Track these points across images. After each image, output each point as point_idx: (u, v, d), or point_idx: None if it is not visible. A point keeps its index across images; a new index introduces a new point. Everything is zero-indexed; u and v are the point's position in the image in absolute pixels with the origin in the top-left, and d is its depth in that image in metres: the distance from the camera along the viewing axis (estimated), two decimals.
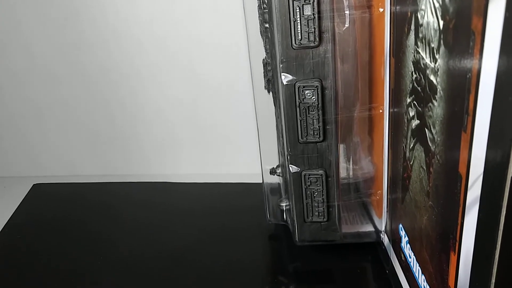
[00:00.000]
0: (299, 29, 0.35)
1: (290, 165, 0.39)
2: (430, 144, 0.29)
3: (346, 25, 0.37)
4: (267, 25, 0.38)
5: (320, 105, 0.37)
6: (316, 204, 0.40)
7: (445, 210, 0.28)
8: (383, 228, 0.43)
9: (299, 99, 0.37)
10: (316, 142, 0.38)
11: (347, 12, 0.36)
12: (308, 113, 0.37)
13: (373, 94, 0.40)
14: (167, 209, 0.54)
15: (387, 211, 0.42)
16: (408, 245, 0.36)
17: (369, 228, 0.44)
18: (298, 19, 0.34)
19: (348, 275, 0.43)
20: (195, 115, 0.59)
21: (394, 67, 0.35)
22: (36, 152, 0.63)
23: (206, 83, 0.57)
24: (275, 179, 0.48)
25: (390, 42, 0.35)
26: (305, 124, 0.37)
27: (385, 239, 0.43)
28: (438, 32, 0.26)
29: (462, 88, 0.23)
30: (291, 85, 0.36)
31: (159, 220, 0.52)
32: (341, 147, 0.42)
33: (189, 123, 0.59)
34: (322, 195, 0.40)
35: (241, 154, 0.60)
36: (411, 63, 0.31)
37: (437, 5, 0.26)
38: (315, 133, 0.38)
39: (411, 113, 0.32)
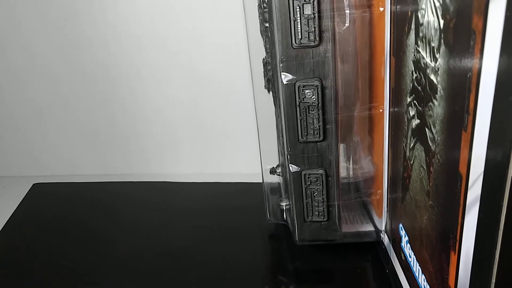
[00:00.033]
0: (299, 28, 0.35)
1: (290, 164, 0.39)
2: (431, 144, 0.29)
3: (346, 24, 0.37)
4: (267, 25, 0.38)
5: (320, 104, 0.37)
6: (316, 204, 0.40)
7: (445, 210, 0.28)
8: (383, 228, 0.43)
9: (299, 98, 0.37)
10: (316, 141, 0.38)
11: (347, 11, 0.36)
12: (308, 113, 0.37)
13: (373, 93, 0.40)
14: (167, 208, 0.54)
15: (387, 211, 0.42)
16: (408, 244, 0.36)
17: (369, 227, 0.44)
18: (298, 18, 0.34)
19: (348, 275, 0.43)
20: (195, 115, 0.59)
21: (394, 67, 0.35)
22: (36, 152, 0.63)
23: (206, 82, 0.57)
24: (275, 179, 0.48)
25: (391, 42, 0.35)
26: (305, 124, 0.37)
27: (385, 239, 0.43)
28: (438, 31, 0.26)
29: (462, 88, 0.23)
30: (291, 85, 0.36)
31: (159, 219, 0.52)
32: (341, 146, 0.42)
33: (189, 122, 0.59)
34: (322, 194, 0.40)
35: (241, 154, 0.60)
36: (412, 63, 0.31)
37: (437, 4, 0.26)
38: (315, 133, 0.38)
39: (412, 113, 0.32)
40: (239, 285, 0.43)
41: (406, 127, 0.34)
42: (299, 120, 0.37)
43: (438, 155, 0.28)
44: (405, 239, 0.37)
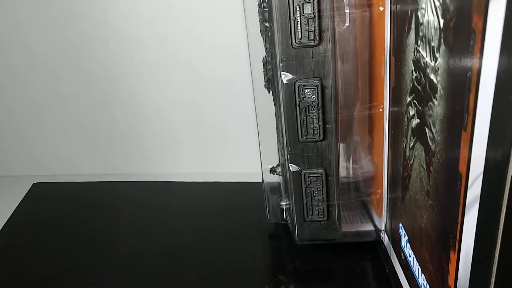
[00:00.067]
0: (299, 28, 0.35)
1: (290, 164, 0.39)
2: (430, 143, 0.29)
3: (346, 24, 0.37)
4: (267, 24, 0.38)
5: (320, 104, 0.37)
6: (316, 203, 0.40)
7: (445, 209, 0.28)
8: (383, 227, 0.43)
9: (299, 98, 0.37)
10: (316, 141, 0.38)
11: (347, 11, 0.36)
12: (308, 112, 0.37)
13: (373, 93, 0.40)
14: (167, 208, 0.54)
15: (387, 210, 0.42)
16: (408, 244, 0.36)
17: (369, 227, 0.44)
18: (298, 18, 0.34)
19: (348, 274, 0.43)
20: (195, 114, 0.59)
21: (394, 66, 0.35)
22: (36, 151, 0.63)
23: (206, 82, 0.57)
24: (275, 178, 0.48)
25: (390, 41, 0.35)
26: (305, 123, 0.37)
27: (385, 238, 0.43)
28: (438, 30, 0.26)
29: (462, 87, 0.23)
30: (291, 84, 0.36)
31: (158, 219, 0.52)
32: (341, 146, 0.42)
33: (189, 122, 0.59)
34: (322, 194, 0.40)
35: (241, 153, 0.60)
36: (411, 62, 0.31)
37: (437, 3, 0.26)
38: (315, 132, 0.38)
39: (411, 112, 0.32)
40: (239, 285, 0.43)
41: (406, 127, 0.34)
42: (299, 120, 0.37)
43: (438, 155, 0.28)
44: (405, 238, 0.37)
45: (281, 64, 0.36)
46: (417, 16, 0.29)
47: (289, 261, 0.46)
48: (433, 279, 0.32)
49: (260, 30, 0.42)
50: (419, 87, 0.30)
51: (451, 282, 0.28)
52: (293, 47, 0.35)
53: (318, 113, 0.37)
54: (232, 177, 0.58)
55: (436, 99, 0.27)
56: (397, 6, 0.33)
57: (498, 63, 0.20)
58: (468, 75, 0.23)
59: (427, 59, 0.28)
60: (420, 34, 0.29)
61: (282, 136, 0.40)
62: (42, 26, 0.55)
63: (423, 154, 0.31)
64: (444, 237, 0.28)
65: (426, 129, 0.29)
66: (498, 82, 0.20)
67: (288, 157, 0.39)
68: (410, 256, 0.36)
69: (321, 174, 0.39)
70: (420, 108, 0.30)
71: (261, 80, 0.43)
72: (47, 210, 0.55)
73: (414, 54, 0.30)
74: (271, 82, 0.42)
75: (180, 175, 0.60)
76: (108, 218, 0.53)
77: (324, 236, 0.42)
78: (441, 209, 0.29)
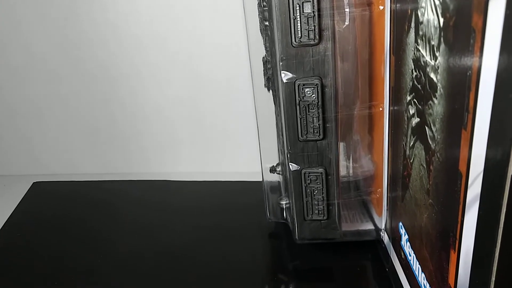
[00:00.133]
0: (299, 27, 0.35)
1: (290, 163, 0.39)
2: (430, 142, 0.29)
3: (346, 23, 0.37)
4: (267, 23, 0.38)
5: (320, 103, 0.37)
6: (316, 202, 0.40)
7: (445, 208, 0.28)
8: (383, 226, 0.43)
9: (299, 97, 0.37)
10: (316, 140, 0.38)
11: (347, 10, 0.36)
12: (308, 111, 0.37)
13: (373, 92, 0.40)
14: (167, 207, 0.54)
15: (387, 209, 0.42)
16: (408, 243, 0.36)
17: (369, 226, 0.44)
18: (298, 17, 0.34)
19: (348, 273, 0.43)
20: (195, 114, 0.59)
21: (394, 65, 0.35)
22: (36, 151, 0.63)
23: (206, 81, 0.57)
24: (275, 177, 0.48)
25: (390, 40, 0.35)
26: (305, 122, 0.37)
27: (385, 237, 0.43)
28: (438, 29, 0.26)
29: (462, 86, 0.23)
30: (291, 83, 0.36)
31: (158, 218, 0.52)
32: (341, 145, 0.42)
33: (189, 121, 0.59)
34: (322, 193, 0.40)
35: (241, 152, 0.60)
36: (411, 61, 0.31)
37: (437, 2, 0.26)
38: (315, 131, 0.38)
39: (411, 111, 0.32)
40: (239, 284, 0.43)
41: (406, 126, 0.34)
42: (299, 119, 0.37)
43: (438, 154, 0.28)
44: (405, 237, 0.37)
45: (281, 63, 0.36)
46: (417, 15, 0.29)
47: (289, 260, 0.46)
48: (433, 278, 0.32)
49: (260, 29, 0.42)
50: (419, 86, 0.30)
51: (451, 281, 0.28)
52: (293, 46, 0.35)
53: (318, 112, 0.37)
54: (232, 176, 0.58)
55: (436, 98, 0.27)
56: (397, 5, 0.33)
57: (498, 62, 0.20)
58: (468, 74, 0.23)
59: (427, 58, 0.28)
60: (420, 33, 0.29)
61: (282, 135, 0.40)
62: (42, 26, 0.55)
63: (423, 153, 0.31)
64: (444, 236, 0.28)
65: (426, 128, 0.29)
66: (498, 81, 0.20)
67: (288, 156, 0.39)
68: (410, 255, 0.36)
69: (321, 173, 0.39)
70: (420, 107, 0.30)
71: (261, 79, 0.43)
72: (47, 210, 0.55)
73: (414, 53, 0.30)
74: (271, 81, 0.42)
75: (180, 174, 0.60)
76: (108, 217, 0.53)
77: (324, 235, 0.42)
78: (441, 208, 0.29)
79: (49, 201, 0.57)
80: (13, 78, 0.58)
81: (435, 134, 0.28)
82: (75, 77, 0.58)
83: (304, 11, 0.34)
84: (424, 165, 0.31)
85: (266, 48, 0.42)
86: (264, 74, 0.43)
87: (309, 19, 0.34)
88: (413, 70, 0.31)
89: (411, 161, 0.33)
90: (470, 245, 0.25)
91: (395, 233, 0.40)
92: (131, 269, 0.45)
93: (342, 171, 0.42)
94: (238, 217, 0.51)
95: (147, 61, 0.56)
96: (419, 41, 0.29)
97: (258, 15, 0.41)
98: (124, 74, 0.57)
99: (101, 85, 0.58)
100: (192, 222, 0.51)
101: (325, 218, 0.41)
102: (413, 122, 0.32)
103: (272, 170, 0.46)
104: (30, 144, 0.62)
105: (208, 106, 0.58)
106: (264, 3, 0.38)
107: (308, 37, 0.35)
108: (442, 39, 0.26)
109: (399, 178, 0.37)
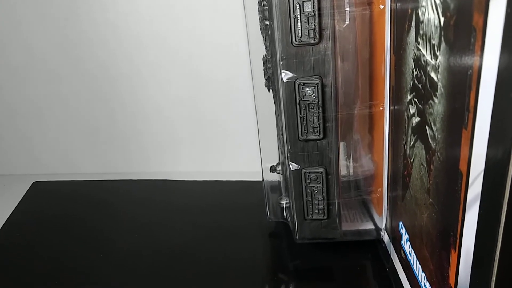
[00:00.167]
0: (299, 26, 0.35)
1: (290, 162, 0.39)
2: (431, 142, 0.29)
3: (346, 22, 0.37)
4: (267, 23, 0.38)
5: (320, 102, 0.37)
6: (316, 202, 0.40)
7: (446, 208, 0.28)
8: (383, 226, 0.43)
9: (299, 96, 0.37)
10: (316, 139, 0.38)
11: (347, 9, 0.36)
12: (308, 111, 0.37)
13: (374, 91, 0.40)
14: (167, 207, 0.54)
15: (387, 209, 0.42)
16: (409, 242, 0.36)
17: (369, 225, 0.44)
18: (298, 16, 0.34)
19: (348, 273, 0.43)
20: (195, 113, 0.59)
21: (394, 64, 0.35)
22: (36, 150, 0.63)
23: (206, 81, 0.57)
24: (275, 177, 0.48)
25: (391, 39, 0.35)
26: (305, 122, 0.37)
27: (385, 237, 0.43)
28: (439, 28, 0.26)
29: (463, 85, 0.23)
30: (291, 83, 0.36)
31: (158, 218, 0.52)
32: (341, 144, 0.42)
33: (189, 121, 0.59)
34: (322, 192, 0.40)
35: (241, 152, 0.60)
36: (412, 60, 0.31)
37: (438, 1, 0.26)
38: (315, 131, 0.38)
39: (412, 111, 0.32)
40: (239, 283, 0.43)
41: (406, 125, 0.34)
42: (299, 118, 0.37)
43: (438, 153, 0.28)
44: (405, 237, 0.37)
45: (281, 63, 0.36)
46: (417, 14, 0.29)
47: (289, 259, 0.46)
48: (433, 278, 0.32)
49: (260, 29, 0.42)
50: (420, 85, 0.30)
51: (451, 280, 0.28)
52: (293, 45, 0.35)
53: (318, 112, 0.37)
54: (232, 176, 0.58)
55: (437, 97, 0.27)
56: (397, 4, 0.33)
57: (498, 61, 0.20)
58: (468, 73, 0.23)
59: (428, 57, 0.28)
60: (421, 32, 0.29)
61: (282, 135, 0.40)
62: (42, 26, 0.55)
63: (424, 152, 0.30)
64: (445, 235, 0.28)
65: (427, 127, 0.29)
66: (499, 80, 0.20)
67: (288, 155, 0.39)
68: (410, 255, 0.36)
69: (321, 172, 0.39)
70: (420, 106, 0.30)
71: (261, 79, 0.43)
72: (47, 209, 0.55)
73: (415, 52, 0.30)
74: (271, 81, 0.42)
75: (180, 174, 0.60)
76: (108, 216, 0.53)
77: (324, 234, 0.42)
78: (441, 208, 0.29)
79: (49, 201, 0.57)
80: (13, 78, 0.58)
81: (436, 134, 0.28)
82: (75, 77, 0.58)
83: (305, 10, 0.34)
84: (425, 165, 0.31)
85: (266, 47, 0.42)
86: (264, 74, 0.42)
87: (309, 18, 0.34)
88: (414, 69, 0.31)
89: (412, 160, 0.33)
90: (471, 245, 0.25)
91: (395, 233, 0.40)
92: (131, 268, 0.45)
93: (342, 171, 0.42)
94: (238, 217, 0.51)
95: (147, 61, 0.56)
96: (419, 40, 0.29)
97: (258, 14, 0.41)
98: (124, 74, 0.57)
99: (101, 85, 0.58)
100: (192, 222, 0.51)
101: (325, 217, 0.41)
102: (414, 122, 0.32)
103: (272, 169, 0.46)
104: (30, 144, 0.62)
105: (208, 106, 0.58)
106: (264, 3, 0.38)
107: (309, 37, 0.35)
108: (442, 38, 0.26)
109: (400, 177, 0.37)
